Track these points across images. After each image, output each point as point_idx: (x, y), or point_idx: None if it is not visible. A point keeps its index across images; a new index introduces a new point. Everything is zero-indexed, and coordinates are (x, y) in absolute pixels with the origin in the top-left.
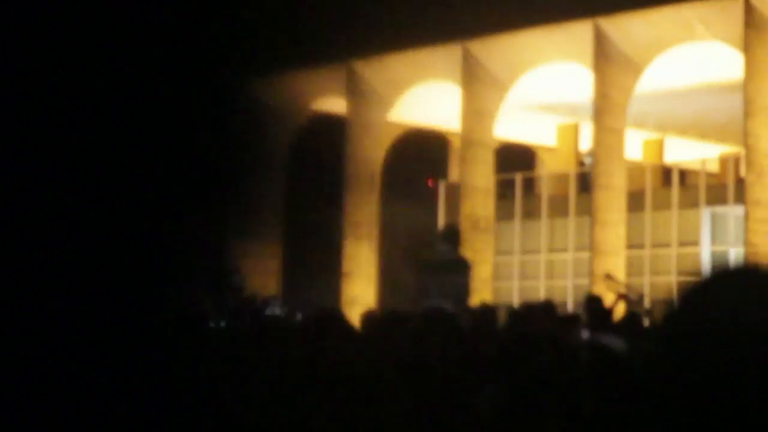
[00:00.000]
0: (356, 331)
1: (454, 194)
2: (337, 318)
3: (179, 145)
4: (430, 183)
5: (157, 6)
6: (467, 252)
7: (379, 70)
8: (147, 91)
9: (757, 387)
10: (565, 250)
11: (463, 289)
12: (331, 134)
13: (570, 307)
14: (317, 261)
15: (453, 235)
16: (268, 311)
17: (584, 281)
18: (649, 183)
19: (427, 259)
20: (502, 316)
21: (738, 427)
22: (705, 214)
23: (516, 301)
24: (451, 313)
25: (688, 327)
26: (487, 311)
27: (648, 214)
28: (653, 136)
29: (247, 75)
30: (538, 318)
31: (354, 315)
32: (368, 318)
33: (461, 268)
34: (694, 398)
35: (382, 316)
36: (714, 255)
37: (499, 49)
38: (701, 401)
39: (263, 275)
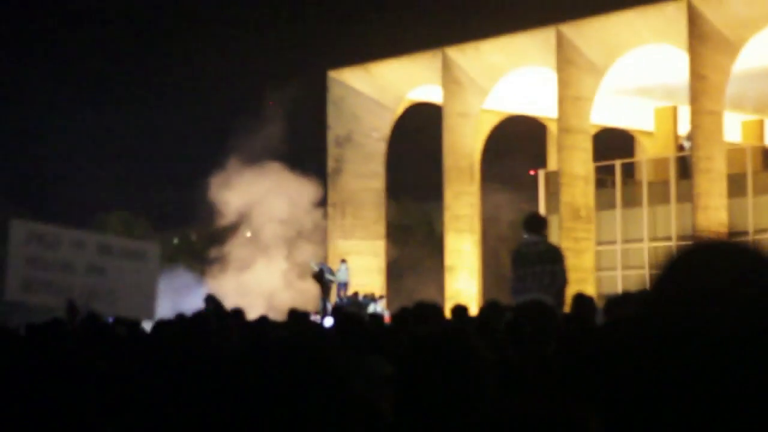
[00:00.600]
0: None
1: (554, 183)
2: (435, 310)
3: (276, 136)
4: (532, 172)
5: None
6: (568, 242)
7: (474, 58)
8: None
9: (728, 345)
10: (667, 237)
11: (559, 279)
12: (428, 124)
13: None
14: (420, 256)
15: (538, 223)
16: (371, 308)
17: None
18: (749, 166)
19: (518, 250)
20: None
21: (713, 386)
22: None
23: (620, 290)
24: (549, 305)
25: (667, 292)
26: (585, 301)
27: (749, 199)
28: (752, 117)
29: (343, 65)
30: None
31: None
32: (458, 311)
33: (557, 258)
34: (672, 358)
35: (481, 308)
36: None
37: (594, 33)
38: (679, 359)
39: (368, 273)
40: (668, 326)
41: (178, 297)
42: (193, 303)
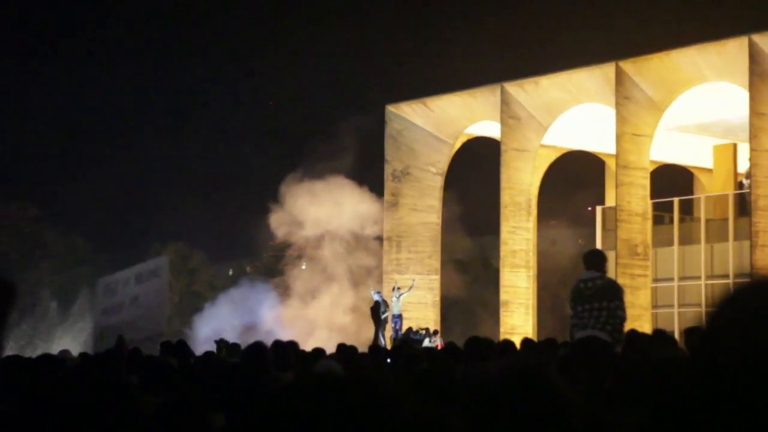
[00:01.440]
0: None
1: (612, 219)
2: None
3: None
4: (590, 208)
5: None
6: (625, 278)
7: (533, 93)
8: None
9: None
10: (725, 275)
11: (617, 316)
12: (486, 159)
13: None
14: (475, 291)
15: (597, 259)
16: (426, 343)
17: None
18: None
19: (577, 286)
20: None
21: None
22: None
23: (676, 328)
24: (605, 341)
25: (722, 328)
26: (639, 338)
27: None
28: None
29: (401, 100)
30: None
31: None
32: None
33: (614, 295)
34: (726, 393)
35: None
36: None
37: (653, 69)
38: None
39: (422, 307)
40: (723, 362)
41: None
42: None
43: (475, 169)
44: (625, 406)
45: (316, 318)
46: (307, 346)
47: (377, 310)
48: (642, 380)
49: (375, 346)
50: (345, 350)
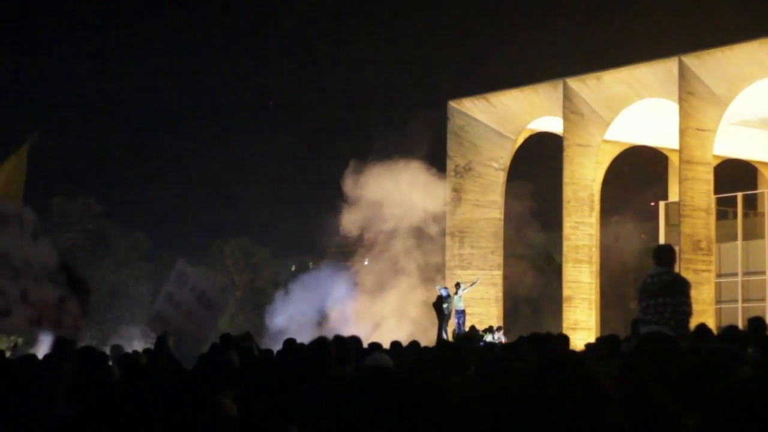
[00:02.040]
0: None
1: (675, 214)
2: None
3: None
4: (653, 203)
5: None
6: (688, 274)
7: (595, 88)
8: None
9: None
10: None
11: (682, 311)
12: (548, 154)
13: None
14: (538, 286)
15: (666, 254)
16: (488, 338)
17: None
18: None
19: (644, 281)
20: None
21: None
22: None
23: (740, 324)
24: (671, 337)
25: None
26: (704, 331)
27: None
28: None
29: (464, 95)
30: (743, 337)
31: (575, 341)
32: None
33: (680, 290)
34: None
35: (598, 340)
36: None
37: (716, 64)
38: None
39: (485, 303)
40: None
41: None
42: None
43: (538, 164)
44: (687, 403)
45: (383, 312)
46: (378, 339)
47: (440, 305)
48: (704, 379)
49: (440, 341)
50: (396, 346)
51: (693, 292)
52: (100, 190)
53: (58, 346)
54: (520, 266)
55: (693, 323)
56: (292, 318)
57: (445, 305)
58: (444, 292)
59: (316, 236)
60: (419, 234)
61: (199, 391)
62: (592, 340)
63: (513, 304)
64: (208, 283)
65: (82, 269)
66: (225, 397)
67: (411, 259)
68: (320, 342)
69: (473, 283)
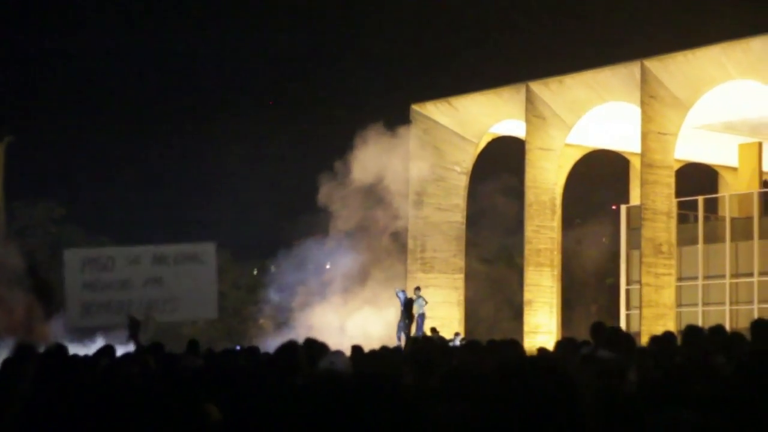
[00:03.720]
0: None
1: (636, 218)
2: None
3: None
4: (614, 207)
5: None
6: (649, 277)
7: (558, 92)
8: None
9: None
10: (749, 273)
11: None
12: (511, 158)
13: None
14: (499, 290)
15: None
16: (451, 344)
17: None
18: None
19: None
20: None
21: None
22: None
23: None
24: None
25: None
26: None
27: None
28: None
29: (426, 99)
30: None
31: (536, 344)
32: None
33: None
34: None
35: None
36: None
37: (679, 68)
38: None
39: (447, 306)
40: None
41: None
42: None
43: (500, 168)
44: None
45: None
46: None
47: (409, 307)
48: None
49: (412, 340)
50: (357, 350)
51: (654, 296)
52: (62, 194)
53: (19, 351)
54: (481, 270)
55: (654, 327)
56: (292, 290)
57: (415, 307)
58: (402, 296)
59: (278, 240)
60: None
61: (182, 397)
62: (553, 343)
63: (474, 308)
64: (173, 271)
65: (46, 274)
66: (209, 405)
67: (369, 264)
68: (289, 346)
69: (421, 302)
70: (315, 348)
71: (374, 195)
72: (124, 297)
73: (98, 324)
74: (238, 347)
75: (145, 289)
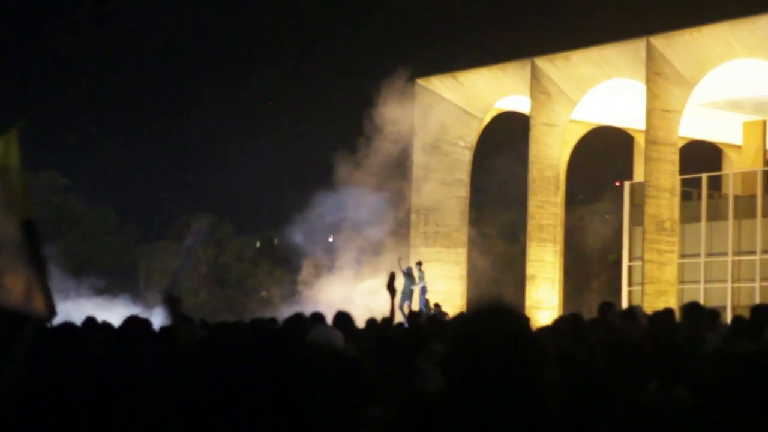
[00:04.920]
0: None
1: (640, 194)
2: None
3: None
4: (618, 183)
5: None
6: (652, 254)
7: (563, 68)
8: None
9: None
10: (752, 251)
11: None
12: (515, 133)
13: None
14: (502, 265)
15: None
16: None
17: None
18: None
19: None
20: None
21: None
22: None
23: (703, 304)
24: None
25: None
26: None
27: None
28: None
29: (431, 73)
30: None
31: (538, 320)
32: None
33: None
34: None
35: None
36: None
37: (684, 45)
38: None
39: (449, 280)
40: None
41: None
42: None
43: (504, 143)
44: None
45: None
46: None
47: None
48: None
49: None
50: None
51: (657, 273)
52: (65, 164)
53: (11, 322)
54: (484, 245)
55: (656, 303)
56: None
57: (407, 283)
58: (404, 270)
59: (280, 215)
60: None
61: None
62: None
63: (476, 282)
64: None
65: (42, 245)
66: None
67: (373, 239)
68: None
69: (414, 278)
70: (305, 321)
71: (386, 170)
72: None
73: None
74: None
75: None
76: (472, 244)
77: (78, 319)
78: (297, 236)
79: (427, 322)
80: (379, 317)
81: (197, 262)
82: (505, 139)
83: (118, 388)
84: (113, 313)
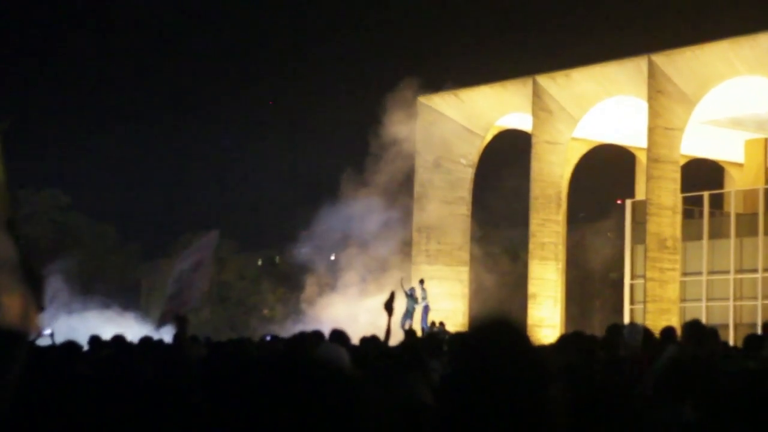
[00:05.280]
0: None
1: (641, 212)
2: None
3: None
4: (619, 201)
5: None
6: (654, 272)
7: (565, 86)
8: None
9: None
10: (754, 269)
11: None
12: (517, 151)
13: (759, 328)
14: (503, 283)
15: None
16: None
17: None
18: None
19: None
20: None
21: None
22: None
23: (705, 322)
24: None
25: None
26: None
27: None
28: None
29: (433, 91)
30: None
31: (540, 338)
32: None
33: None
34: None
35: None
36: None
37: (686, 63)
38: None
39: (451, 298)
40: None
41: None
42: None
43: (506, 161)
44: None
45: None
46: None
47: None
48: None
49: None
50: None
51: (659, 291)
52: (67, 182)
53: (8, 338)
54: (485, 263)
55: (658, 321)
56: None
57: (409, 302)
58: (407, 291)
59: (282, 232)
60: (382, 232)
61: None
62: (557, 337)
63: (478, 301)
64: (185, 264)
65: (40, 262)
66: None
67: (375, 258)
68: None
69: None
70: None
71: (390, 192)
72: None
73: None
74: (268, 337)
75: (171, 286)
76: (475, 262)
77: (84, 335)
78: (300, 254)
79: (426, 340)
80: (381, 335)
81: (207, 279)
82: (507, 157)
83: (119, 406)
84: (124, 328)
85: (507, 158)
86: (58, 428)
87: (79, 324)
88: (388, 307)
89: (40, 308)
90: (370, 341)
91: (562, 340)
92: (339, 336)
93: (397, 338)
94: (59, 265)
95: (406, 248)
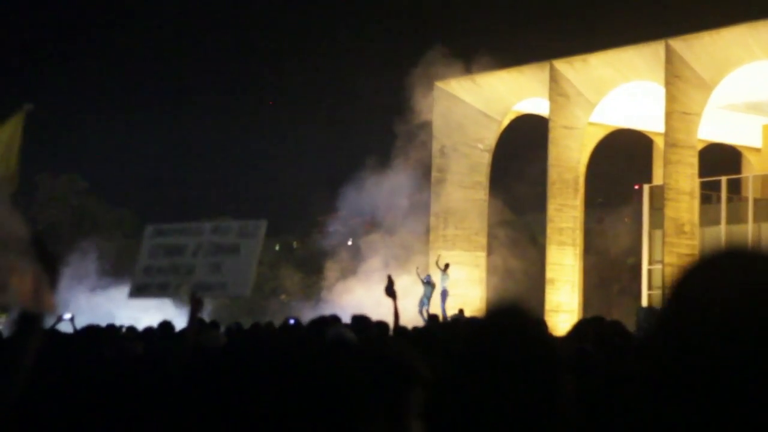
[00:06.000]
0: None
1: (659, 197)
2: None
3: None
4: (637, 186)
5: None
6: (671, 257)
7: (582, 71)
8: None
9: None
10: None
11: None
12: (534, 136)
13: None
14: (521, 268)
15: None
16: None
17: None
18: None
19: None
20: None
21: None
22: None
23: None
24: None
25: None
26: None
27: None
28: None
29: (450, 76)
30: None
31: (557, 323)
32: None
33: None
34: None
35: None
36: None
37: (704, 48)
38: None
39: (469, 283)
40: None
41: None
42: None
43: (524, 146)
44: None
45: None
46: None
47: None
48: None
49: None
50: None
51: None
52: (84, 166)
53: (23, 321)
54: (503, 248)
55: None
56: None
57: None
58: (427, 280)
59: (300, 216)
60: (400, 216)
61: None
62: (574, 322)
63: (495, 286)
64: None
65: (60, 245)
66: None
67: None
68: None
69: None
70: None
71: (413, 177)
72: (176, 262)
73: (153, 295)
74: (291, 320)
75: (199, 267)
76: (492, 247)
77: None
78: (323, 238)
79: (443, 325)
80: (406, 319)
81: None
82: (525, 142)
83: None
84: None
85: (524, 143)
86: (77, 411)
87: (106, 303)
88: (390, 292)
89: (54, 288)
90: (385, 325)
91: (579, 324)
92: (359, 321)
93: (412, 324)
94: (90, 246)
95: (427, 234)
